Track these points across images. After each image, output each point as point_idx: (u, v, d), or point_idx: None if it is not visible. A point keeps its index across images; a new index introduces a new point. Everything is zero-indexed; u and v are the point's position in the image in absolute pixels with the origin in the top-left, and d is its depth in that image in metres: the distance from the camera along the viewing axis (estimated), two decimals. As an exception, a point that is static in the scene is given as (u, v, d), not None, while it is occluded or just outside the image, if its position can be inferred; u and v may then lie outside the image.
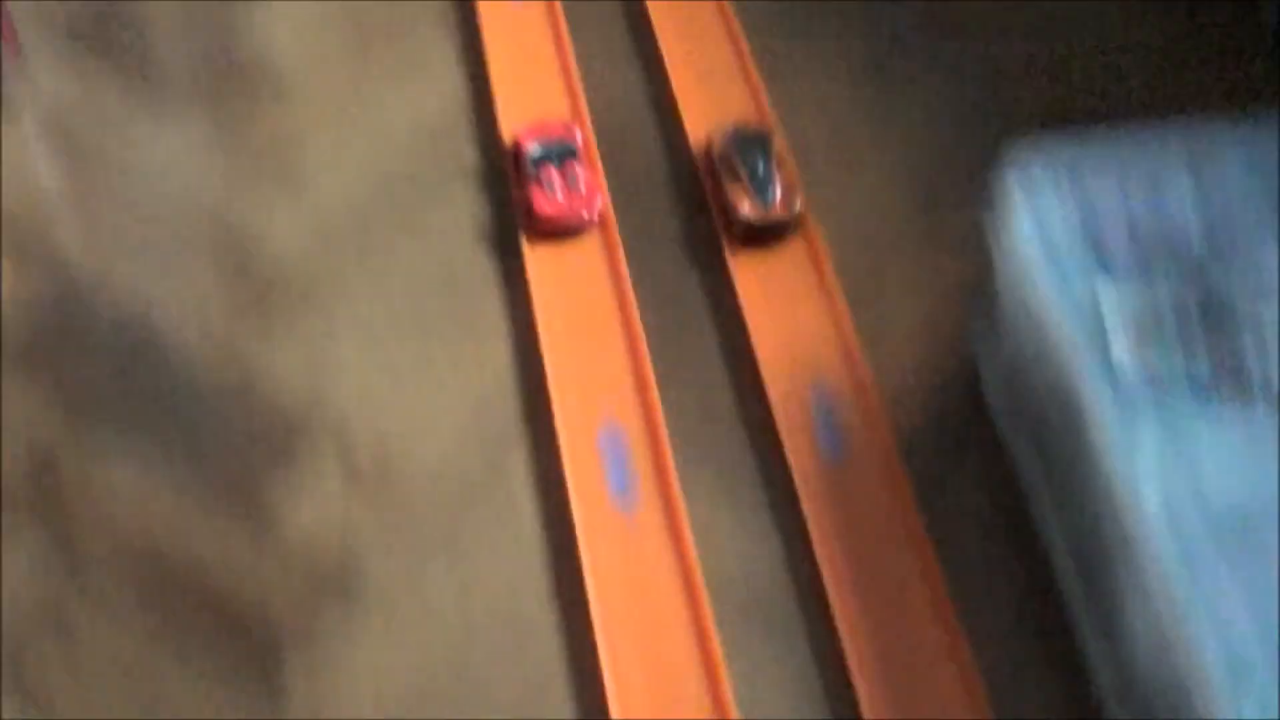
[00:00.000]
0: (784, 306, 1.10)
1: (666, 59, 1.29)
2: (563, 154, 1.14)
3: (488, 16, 1.35)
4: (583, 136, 1.18)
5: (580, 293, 1.11)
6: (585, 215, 1.12)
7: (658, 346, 1.09)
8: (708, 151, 1.17)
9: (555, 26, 1.31)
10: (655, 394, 1.05)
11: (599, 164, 1.20)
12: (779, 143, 1.14)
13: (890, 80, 1.30)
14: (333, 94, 1.32)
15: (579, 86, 1.27)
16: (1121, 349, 0.90)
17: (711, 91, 1.25)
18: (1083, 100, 1.28)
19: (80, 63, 1.35)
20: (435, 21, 1.39)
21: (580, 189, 1.12)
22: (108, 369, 1.13)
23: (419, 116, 1.29)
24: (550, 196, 1.12)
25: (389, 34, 1.38)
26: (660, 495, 1.00)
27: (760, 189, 1.10)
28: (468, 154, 1.26)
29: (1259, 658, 0.75)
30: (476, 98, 1.30)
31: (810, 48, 1.34)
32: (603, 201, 1.14)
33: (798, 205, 1.11)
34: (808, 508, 0.99)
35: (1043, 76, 1.31)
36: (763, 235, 1.11)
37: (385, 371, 1.11)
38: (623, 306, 1.10)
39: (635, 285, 1.12)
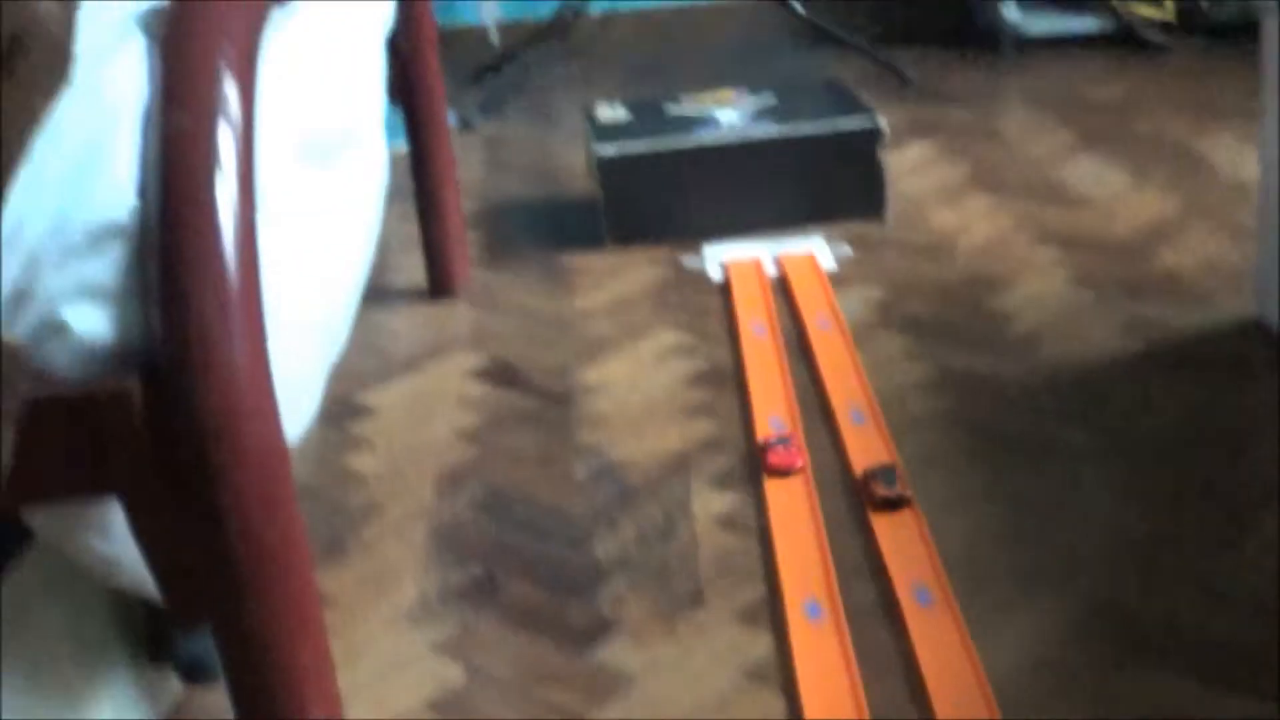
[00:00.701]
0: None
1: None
2: (786, 441, 1.98)
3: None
4: (794, 438, 2.01)
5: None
6: (796, 464, 1.95)
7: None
8: (861, 469, 1.94)
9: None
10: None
11: (804, 450, 1.99)
12: (899, 472, 1.91)
13: None
14: None
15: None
16: None
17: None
18: None
19: None
20: None
21: (791, 453, 1.96)
22: None
23: None
24: (779, 457, 1.96)
25: None
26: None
27: (888, 483, 1.86)
28: None
29: None
30: None
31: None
32: (804, 462, 1.96)
33: (906, 491, 1.86)
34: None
35: None
36: (889, 505, 1.85)
37: None
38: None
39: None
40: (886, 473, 1.90)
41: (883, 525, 1.81)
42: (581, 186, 3.02)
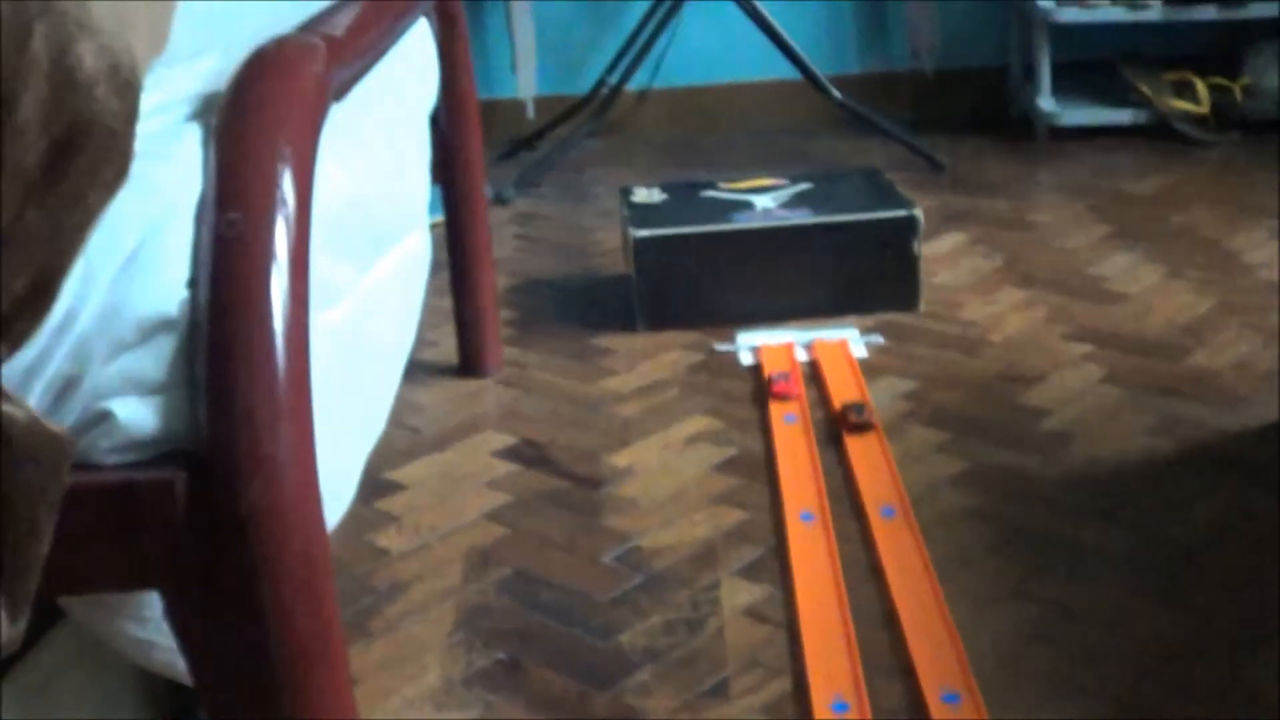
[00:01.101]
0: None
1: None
2: (786, 376, 2.45)
3: None
4: (792, 374, 2.48)
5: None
6: (793, 392, 2.42)
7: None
8: (840, 403, 2.37)
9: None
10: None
11: (801, 382, 2.47)
12: (869, 406, 2.33)
13: None
14: None
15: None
16: None
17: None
18: None
19: None
20: None
21: (791, 384, 2.43)
22: None
23: None
24: (780, 386, 2.43)
25: None
26: None
27: (859, 414, 2.28)
28: None
29: None
30: None
31: None
32: (799, 391, 2.43)
33: (871, 418, 2.29)
34: None
35: None
36: (858, 429, 2.28)
37: None
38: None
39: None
40: (857, 406, 2.31)
41: (911, 621, 1.80)
42: (615, 265, 3.03)
